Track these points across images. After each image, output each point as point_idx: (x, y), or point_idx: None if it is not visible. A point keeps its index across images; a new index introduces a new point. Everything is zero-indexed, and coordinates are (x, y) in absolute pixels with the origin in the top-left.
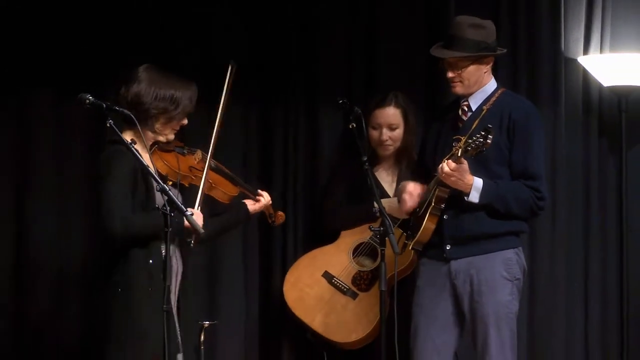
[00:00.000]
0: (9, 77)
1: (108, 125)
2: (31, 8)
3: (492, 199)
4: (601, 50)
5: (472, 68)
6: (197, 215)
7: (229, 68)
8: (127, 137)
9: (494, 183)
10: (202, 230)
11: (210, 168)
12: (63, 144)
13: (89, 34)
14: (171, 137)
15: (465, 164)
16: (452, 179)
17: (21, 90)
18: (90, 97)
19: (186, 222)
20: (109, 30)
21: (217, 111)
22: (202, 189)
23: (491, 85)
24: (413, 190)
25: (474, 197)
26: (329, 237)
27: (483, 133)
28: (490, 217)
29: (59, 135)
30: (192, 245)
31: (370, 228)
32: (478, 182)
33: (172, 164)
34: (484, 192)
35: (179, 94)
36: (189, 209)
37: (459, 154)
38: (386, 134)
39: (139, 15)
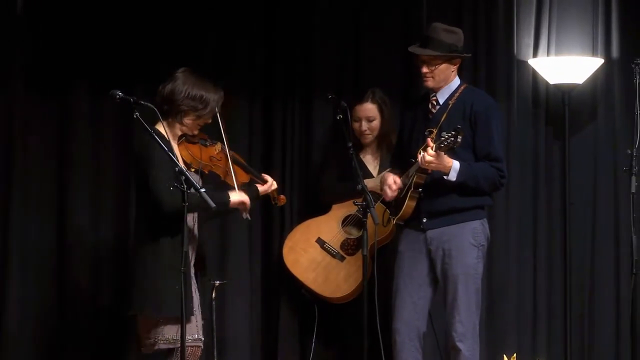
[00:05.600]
0: (50, 78)
1: (135, 117)
2: (70, 15)
3: (466, 177)
4: (548, 54)
5: (443, 66)
6: (241, 194)
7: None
8: (160, 128)
9: (467, 164)
10: (213, 205)
11: (229, 160)
12: (97, 135)
13: (120, 37)
14: (195, 132)
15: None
16: (433, 165)
17: (60, 89)
18: (120, 93)
19: (232, 199)
20: (138, 34)
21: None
22: (235, 179)
23: (455, 82)
24: (392, 183)
25: (452, 176)
26: (322, 209)
27: (454, 133)
28: (459, 195)
29: (93, 127)
30: (248, 218)
31: (354, 203)
32: (456, 164)
33: (196, 154)
34: (460, 173)
35: (208, 96)
36: (231, 192)
37: (434, 149)
38: (365, 125)
39: (161, 21)
